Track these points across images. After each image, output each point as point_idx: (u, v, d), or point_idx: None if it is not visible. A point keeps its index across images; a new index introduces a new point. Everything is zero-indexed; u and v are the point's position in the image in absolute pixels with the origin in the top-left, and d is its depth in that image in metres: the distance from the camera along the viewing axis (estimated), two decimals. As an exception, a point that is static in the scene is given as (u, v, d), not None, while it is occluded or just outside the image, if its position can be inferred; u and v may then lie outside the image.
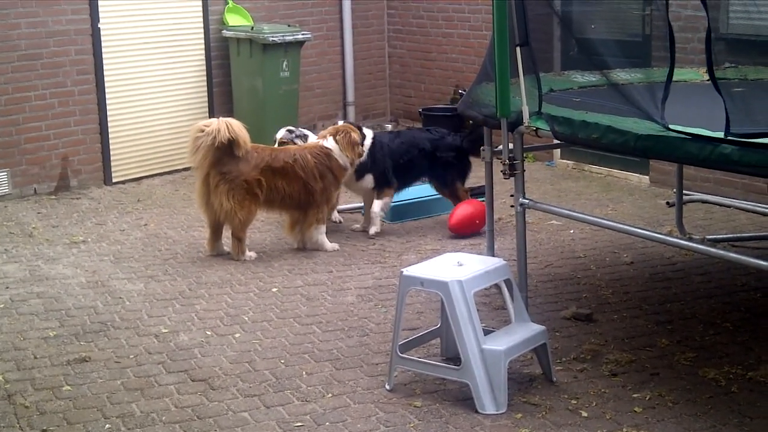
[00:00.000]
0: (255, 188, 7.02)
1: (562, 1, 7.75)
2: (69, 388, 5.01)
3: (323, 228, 7.33)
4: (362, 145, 7.45)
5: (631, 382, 4.90)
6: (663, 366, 5.09)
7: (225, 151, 6.94)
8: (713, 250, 5.14)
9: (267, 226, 7.96)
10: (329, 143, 7.30)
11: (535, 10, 5.65)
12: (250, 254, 7.14)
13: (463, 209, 7.62)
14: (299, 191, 7.16)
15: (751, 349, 5.27)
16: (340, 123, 7.78)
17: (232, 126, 6.93)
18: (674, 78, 4.99)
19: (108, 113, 9.40)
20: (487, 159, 6.08)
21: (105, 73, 9.34)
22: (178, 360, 5.34)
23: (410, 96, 11.75)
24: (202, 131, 6.92)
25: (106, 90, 9.37)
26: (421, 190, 8.35)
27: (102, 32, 9.28)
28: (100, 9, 9.24)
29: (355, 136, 7.36)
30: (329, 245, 7.31)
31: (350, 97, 11.52)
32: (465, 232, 7.54)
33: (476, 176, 8.31)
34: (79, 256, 7.25)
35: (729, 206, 8.09)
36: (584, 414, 4.59)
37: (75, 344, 5.59)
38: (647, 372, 5.02)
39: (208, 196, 7.05)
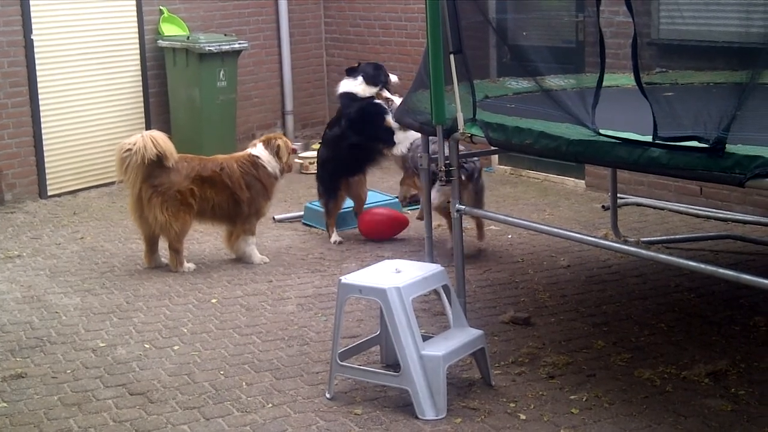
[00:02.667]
0: (188, 198, 6.97)
1: (497, 7, 7.83)
2: (5, 404, 4.94)
3: (252, 239, 7.24)
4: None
5: (568, 384, 4.96)
6: (599, 367, 5.16)
7: (154, 165, 6.88)
8: (647, 252, 5.24)
9: (205, 236, 7.92)
10: (257, 150, 7.25)
11: (469, 17, 5.70)
12: (188, 265, 7.09)
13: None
14: (227, 201, 7.11)
15: (685, 349, 5.37)
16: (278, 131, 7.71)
17: (157, 140, 6.87)
18: (606, 83, 5.09)
19: (42, 125, 9.29)
20: (425, 166, 6.11)
21: (39, 85, 9.22)
22: (116, 374, 5.29)
23: (349, 104, 11.74)
24: (129, 150, 6.83)
25: (40, 102, 9.25)
26: (361, 198, 8.38)
27: (35, 44, 9.17)
28: (32, 20, 9.13)
29: (287, 144, 7.30)
30: (257, 257, 7.22)
31: (289, 106, 11.51)
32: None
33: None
34: (14, 271, 7.15)
35: (663, 209, 8.24)
36: (522, 417, 4.63)
37: (10, 360, 5.51)
38: (584, 374, 5.09)
39: (141, 210, 6.97)
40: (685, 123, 4.30)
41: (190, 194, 6.97)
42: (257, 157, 7.22)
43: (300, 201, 8.81)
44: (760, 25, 4.38)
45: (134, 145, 6.84)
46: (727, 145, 4.13)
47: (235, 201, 7.12)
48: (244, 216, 7.17)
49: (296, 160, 8.88)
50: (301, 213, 8.33)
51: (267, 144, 7.28)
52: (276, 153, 7.24)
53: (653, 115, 4.39)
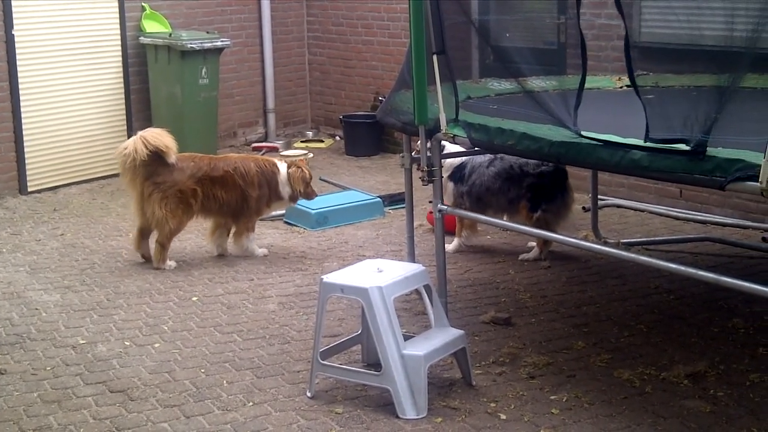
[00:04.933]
0: (189, 198, 7.01)
1: (479, 7, 7.85)
2: (-17, 402, 4.93)
3: (252, 235, 7.33)
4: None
5: (548, 384, 4.98)
6: (579, 368, 5.19)
7: (156, 162, 6.93)
8: (627, 253, 5.26)
9: (187, 234, 7.89)
10: (281, 166, 7.34)
11: (452, 18, 5.71)
12: (170, 263, 7.08)
13: None
14: (237, 199, 7.18)
15: (664, 350, 5.41)
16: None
17: (148, 140, 6.88)
18: (588, 86, 5.11)
19: (23, 121, 9.23)
20: (407, 166, 6.13)
21: (20, 80, 9.17)
22: (96, 371, 5.28)
23: (331, 103, 11.77)
24: (125, 153, 6.91)
25: (21, 98, 9.20)
26: (343, 197, 8.39)
27: (16, 39, 9.12)
28: (14, 16, 9.07)
29: (303, 174, 7.34)
30: (259, 251, 7.34)
31: (270, 104, 11.50)
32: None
33: (397, 183, 8.36)
34: (-6, 267, 7.12)
35: (643, 210, 8.28)
36: (503, 417, 4.65)
37: (-10, 357, 5.50)
38: (564, 374, 5.11)
39: (143, 204, 7.03)
40: (675, 125, 4.32)
41: (191, 194, 7.01)
42: (278, 170, 7.32)
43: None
44: (741, 29, 4.41)
45: (127, 148, 6.90)
46: (707, 149, 4.17)
47: (244, 198, 7.20)
48: (248, 213, 7.25)
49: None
50: (283, 212, 8.32)
51: (289, 167, 7.37)
52: (288, 178, 7.32)
53: (646, 118, 4.42)
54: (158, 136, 6.96)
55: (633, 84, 4.71)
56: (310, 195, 7.47)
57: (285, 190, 7.34)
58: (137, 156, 6.83)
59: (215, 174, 7.11)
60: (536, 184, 6.91)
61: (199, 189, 7.03)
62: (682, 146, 4.26)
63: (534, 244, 7.15)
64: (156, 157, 6.91)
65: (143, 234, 7.19)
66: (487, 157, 6.95)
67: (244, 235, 7.29)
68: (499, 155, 6.89)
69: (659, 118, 4.50)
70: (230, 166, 7.18)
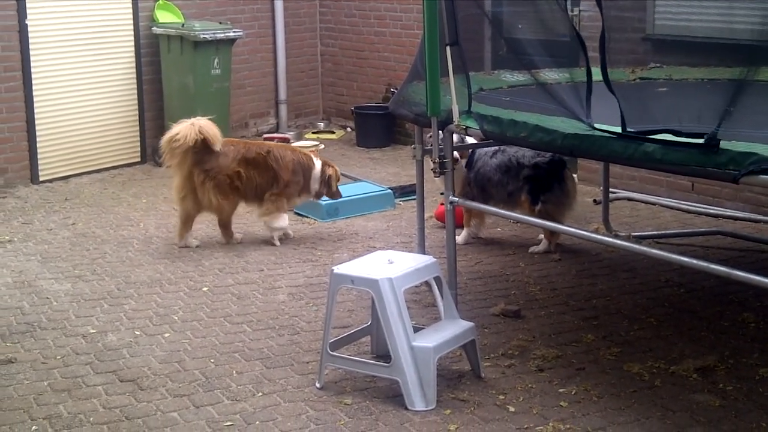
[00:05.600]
0: (235, 181, 7.30)
1: (492, 1, 7.82)
2: (-6, 389, 4.95)
3: (282, 217, 7.42)
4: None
5: (557, 377, 4.97)
6: (589, 361, 5.18)
7: (203, 151, 7.20)
8: (638, 246, 5.24)
9: (196, 225, 7.91)
10: (317, 161, 7.49)
11: (465, 9, 5.70)
12: (237, 236, 7.48)
13: None
14: (269, 181, 7.36)
15: (674, 344, 5.39)
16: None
17: (202, 128, 7.15)
18: (601, 78, 5.08)
19: (35, 111, 9.25)
20: (418, 157, 6.12)
21: (32, 70, 9.18)
22: (106, 360, 5.29)
23: (342, 94, 11.76)
24: (176, 139, 7.11)
25: (34, 87, 9.21)
26: (354, 189, 8.39)
27: (29, 29, 9.13)
28: (27, 5, 9.08)
29: (333, 175, 7.49)
30: (289, 230, 7.55)
31: (282, 95, 11.49)
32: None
33: (409, 174, 8.35)
34: (5, 256, 7.13)
35: (654, 204, 8.26)
36: (512, 409, 4.65)
37: (0, 345, 5.50)
38: (573, 367, 5.10)
39: (187, 191, 7.26)
40: (657, 117, 4.31)
41: (236, 177, 7.29)
42: (313, 165, 7.48)
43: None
44: (755, 21, 4.39)
45: (179, 134, 7.11)
46: (721, 142, 4.15)
47: (275, 180, 7.37)
48: (278, 194, 7.37)
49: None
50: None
51: (324, 164, 7.52)
52: (321, 175, 7.46)
53: (620, 110, 4.42)
54: (210, 126, 7.21)
55: (605, 77, 4.71)
56: (335, 195, 7.60)
57: (314, 186, 7.48)
58: (187, 142, 7.08)
59: (249, 156, 7.35)
60: (532, 176, 6.95)
61: (242, 170, 7.30)
62: (669, 137, 4.26)
63: (543, 236, 7.14)
64: (204, 145, 7.17)
65: (186, 223, 7.39)
66: (493, 147, 6.96)
67: (273, 214, 7.38)
68: (502, 147, 6.90)
69: (637, 109, 4.50)
70: (264, 150, 7.43)
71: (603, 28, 4.79)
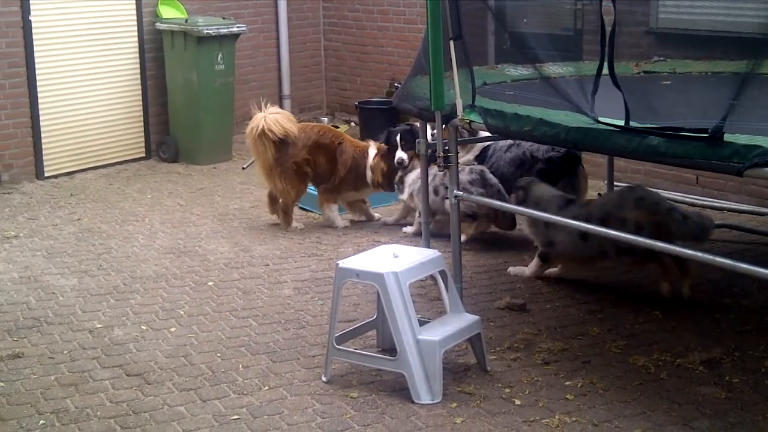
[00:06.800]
0: (304, 167, 7.60)
1: (496, -6, 7.83)
2: (2, 384, 4.95)
3: (335, 207, 7.76)
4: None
5: (563, 370, 4.98)
6: (594, 354, 5.19)
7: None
8: (643, 240, 5.24)
9: (202, 219, 7.94)
10: (371, 151, 7.70)
11: (468, 4, 5.70)
12: (296, 225, 7.67)
13: None
14: (330, 171, 7.67)
15: (679, 336, 5.40)
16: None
17: (272, 130, 7.45)
18: (605, 71, 5.09)
19: (40, 106, 9.27)
20: (423, 152, 6.13)
21: (36, 65, 9.20)
22: (112, 355, 5.31)
23: (346, 89, 11.77)
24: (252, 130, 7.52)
25: (38, 83, 9.23)
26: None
27: (33, 24, 9.14)
28: (31, 1, 9.09)
29: (379, 165, 7.61)
30: (340, 222, 7.75)
31: (286, 90, 11.50)
32: None
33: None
34: (11, 252, 7.15)
35: (659, 197, 8.24)
36: (518, 402, 4.66)
37: (7, 340, 5.52)
38: (579, 360, 5.11)
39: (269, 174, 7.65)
40: (661, 111, 4.32)
41: (305, 163, 7.60)
42: (366, 156, 7.69)
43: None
44: (759, 15, 4.39)
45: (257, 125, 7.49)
46: (725, 135, 4.15)
47: (334, 171, 7.68)
48: (330, 185, 7.68)
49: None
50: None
51: (377, 153, 7.70)
52: (378, 167, 7.65)
53: (625, 104, 4.42)
54: (288, 120, 7.58)
55: (611, 71, 4.72)
56: (384, 187, 7.70)
57: (369, 176, 7.66)
58: (269, 133, 7.42)
59: (323, 141, 7.67)
60: (545, 170, 6.97)
61: (311, 157, 7.59)
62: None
63: None
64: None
65: (272, 198, 7.79)
66: (507, 142, 6.99)
67: (326, 206, 7.70)
68: (516, 141, 6.92)
69: (643, 105, 4.51)
70: (337, 139, 7.72)
71: (615, 21, 4.78)
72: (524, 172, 7.02)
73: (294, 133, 7.52)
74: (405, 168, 7.44)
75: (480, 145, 7.32)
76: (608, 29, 4.74)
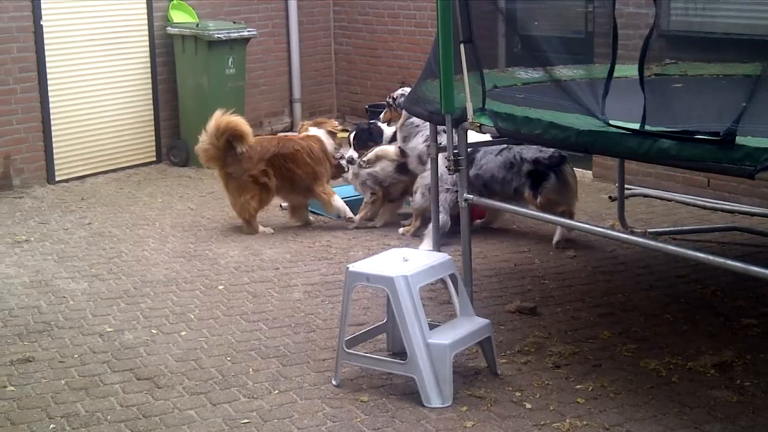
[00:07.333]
0: (261, 178, 7.61)
1: (506, -2, 7.82)
2: (12, 388, 4.96)
3: (336, 197, 7.80)
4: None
5: (574, 374, 4.97)
6: (605, 357, 5.17)
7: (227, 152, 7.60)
8: (654, 243, 5.24)
9: (212, 223, 7.94)
10: (314, 131, 7.91)
11: (479, 7, 5.69)
12: (263, 229, 7.69)
13: None
14: (306, 175, 7.72)
15: (690, 340, 5.38)
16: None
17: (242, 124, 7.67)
18: (616, 74, 5.08)
19: (51, 111, 9.29)
20: (433, 155, 6.12)
21: (48, 70, 9.22)
22: (123, 359, 5.31)
23: (356, 93, 11.77)
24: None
25: (49, 88, 9.25)
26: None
27: (45, 29, 9.17)
28: (42, 6, 9.11)
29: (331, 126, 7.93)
30: (349, 212, 7.82)
31: (296, 94, 11.51)
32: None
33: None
34: (22, 256, 7.17)
35: (670, 200, 8.23)
36: (528, 406, 4.65)
37: (18, 344, 5.53)
38: (590, 363, 5.10)
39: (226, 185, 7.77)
40: (681, 117, 4.30)
41: (263, 175, 7.61)
42: (318, 137, 7.85)
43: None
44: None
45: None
46: (737, 137, 4.13)
47: (317, 170, 7.73)
48: (324, 181, 7.78)
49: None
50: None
51: (320, 125, 7.97)
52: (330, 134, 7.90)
53: (644, 106, 4.41)
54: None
55: (640, 74, 4.69)
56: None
57: (332, 146, 7.88)
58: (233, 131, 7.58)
59: (285, 152, 7.68)
60: (533, 171, 7.08)
61: (271, 169, 7.61)
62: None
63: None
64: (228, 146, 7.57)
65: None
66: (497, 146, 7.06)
67: (328, 201, 7.76)
68: (508, 146, 6.98)
69: (662, 108, 4.49)
70: (298, 145, 7.73)
71: (654, 24, 4.77)
72: (515, 175, 7.12)
73: (250, 141, 7.58)
74: (353, 165, 7.74)
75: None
76: (627, 32, 4.71)
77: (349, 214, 7.75)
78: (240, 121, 7.58)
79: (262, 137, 7.85)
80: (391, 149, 7.65)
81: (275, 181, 7.64)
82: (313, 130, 7.91)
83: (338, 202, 7.78)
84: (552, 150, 6.99)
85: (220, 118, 7.54)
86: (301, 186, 7.73)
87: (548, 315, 5.81)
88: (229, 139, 7.50)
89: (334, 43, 11.89)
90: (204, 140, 7.57)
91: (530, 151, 7.09)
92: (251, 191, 7.57)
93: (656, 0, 4.96)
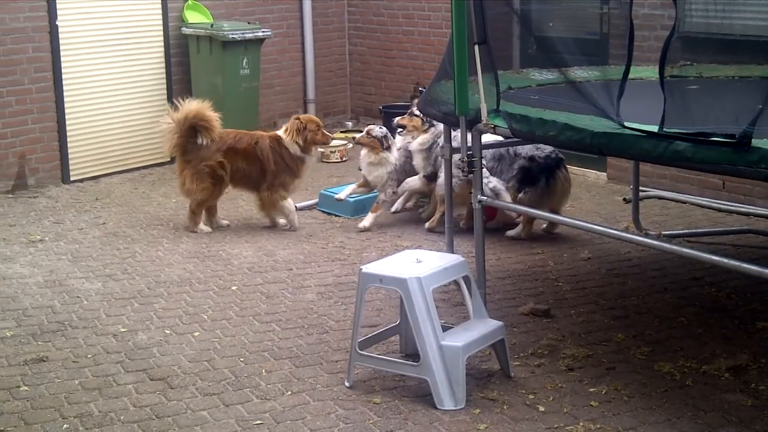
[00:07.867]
0: (217, 170, 7.67)
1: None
2: (26, 388, 4.98)
3: (289, 202, 7.79)
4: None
5: (587, 377, 4.95)
6: (619, 360, 5.15)
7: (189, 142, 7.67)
8: (668, 245, 5.20)
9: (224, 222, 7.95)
10: (281, 132, 7.85)
11: (493, 8, 5.68)
12: (202, 227, 7.74)
13: None
14: (257, 171, 7.73)
15: (705, 343, 5.35)
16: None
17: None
18: (631, 76, 5.06)
19: (66, 111, 9.32)
20: (446, 156, 6.11)
21: (63, 70, 9.25)
22: (136, 359, 5.32)
23: (371, 93, 11.77)
24: None
25: (64, 88, 9.28)
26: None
27: (60, 29, 9.20)
28: (58, 6, 9.16)
29: (297, 123, 7.79)
30: (296, 217, 7.82)
31: (311, 94, 11.51)
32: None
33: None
34: (37, 255, 7.19)
35: (684, 202, 8.19)
36: (541, 408, 4.63)
37: (32, 344, 5.55)
38: (603, 366, 5.08)
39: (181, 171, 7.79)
40: (696, 119, 4.28)
41: (219, 167, 7.65)
42: (280, 137, 7.81)
43: (321, 189, 8.80)
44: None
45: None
46: (753, 140, 4.11)
47: (262, 172, 7.72)
48: (270, 183, 7.71)
49: (319, 149, 8.94)
50: (316, 201, 8.37)
51: (289, 126, 7.84)
52: (293, 130, 7.79)
53: (664, 109, 4.39)
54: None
55: (661, 75, 4.67)
56: (320, 140, 7.89)
57: (295, 149, 7.75)
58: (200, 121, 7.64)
59: (239, 146, 7.71)
60: (525, 167, 7.18)
61: (226, 162, 7.65)
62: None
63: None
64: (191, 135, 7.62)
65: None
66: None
67: (279, 206, 7.74)
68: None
69: (681, 111, 4.46)
70: (253, 140, 7.76)
71: (674, 26, 4.75)
72: (505, 167, 7.27)
73: (215, 131, 7.64)
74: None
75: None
76: (642, 33, 4.68)
77: (295, 224, 7.76)
78: (207, 111, 7.63)
79: (223, 130, 7.84)
80: (417, 181, 7.75)
81: (230, 175, 7.70)
82: (280, 131, 7.89)
83: (289, 205, 7.78)
84: (549, 149, 7.06)
85: (188, 106, 7.61)
86: (253, 182, 7.77)
87: (562, 317, 5.79)
88: (195, 128, 7.57)
89: (349, 43, 11.89)
90: (170, 129, 7.64)
91: (526, 148, 7.17)
92: (205, 182, 7.63)
93: (676, 1, 4.91)
